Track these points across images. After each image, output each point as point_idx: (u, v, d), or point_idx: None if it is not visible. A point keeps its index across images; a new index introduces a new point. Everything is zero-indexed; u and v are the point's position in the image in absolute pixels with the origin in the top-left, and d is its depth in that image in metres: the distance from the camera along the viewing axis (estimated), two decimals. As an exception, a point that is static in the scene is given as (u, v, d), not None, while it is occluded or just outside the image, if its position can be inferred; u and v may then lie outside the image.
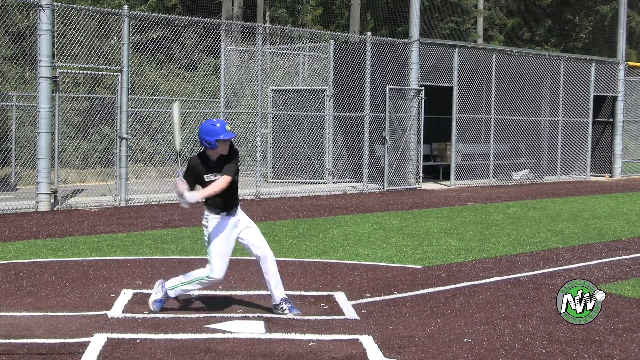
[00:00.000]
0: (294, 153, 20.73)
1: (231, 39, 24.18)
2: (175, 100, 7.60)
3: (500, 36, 46.71)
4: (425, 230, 12.87)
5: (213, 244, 7.17)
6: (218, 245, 7.16)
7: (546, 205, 17.43)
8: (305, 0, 36.81)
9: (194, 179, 7.16)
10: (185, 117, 19.77)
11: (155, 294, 7.26)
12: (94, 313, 7.17)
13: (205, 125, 7.04)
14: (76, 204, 15.16)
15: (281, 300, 7.26)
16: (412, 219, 14.45)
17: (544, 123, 26.44)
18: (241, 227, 7.25)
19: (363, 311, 7.44)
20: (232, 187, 7.14)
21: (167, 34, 19.43)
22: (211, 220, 7.19)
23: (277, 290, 7.27)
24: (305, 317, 7.14)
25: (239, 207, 7.28)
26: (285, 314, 7.19)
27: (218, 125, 7.00)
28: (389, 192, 19.61)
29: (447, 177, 22.17)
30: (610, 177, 26.69)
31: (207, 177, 7.11)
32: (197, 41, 22.00)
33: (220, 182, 7.03)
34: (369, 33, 20.63)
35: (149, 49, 19.32)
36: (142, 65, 21.11)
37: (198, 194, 7.05)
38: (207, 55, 21.49)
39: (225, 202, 7.15)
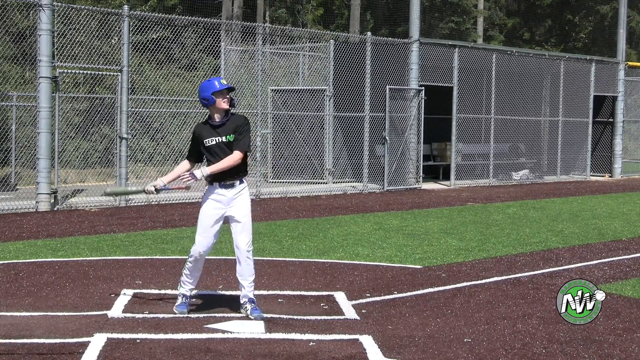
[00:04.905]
0: (294, 153, 20.73)
1: (231, 39, 24.17)
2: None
3: (500, 36, 46.71)
4: (425, 230, 12.87)
5: (199, 216, 7.16)
6: (202, 219, 7.13)
7: (546, 205, 17.43)
8: (305, 0, 36.80)
9: (197, 145, 7.14)
10: (185, 117, 19.77)
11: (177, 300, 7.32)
12: (94, 313, 7.17)
13: (201, 84, 7.08)
14: (76, 204, 15.15)
15: (245, 301, 7.17)
16: (412, 219, 14.45)
17: (544, 123, 26.44)
18: (233, 213, 7.08)
19: (363, 311, 7.43)
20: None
21: (167, 34, 19.43)
22: (206, 191, 7.19)
23: (244, 290, 7.19)
24: (305, 317, 7.14)
25: (239, 183, 7.09)
26: (248, 314, 7.07)
27: (212, 80, 7.04)
28: (389, 192, 19.61)
29: (447, 177, 22.17)
30: (610, 177, 26.69)
31: (207, 142, 7.04)
32: (197, 41, 21.98)
33: (230, 158, 6.95)
34: (369, 33, 20.63)
35: (149, 49, 19.31)
36: (142, 65, 21.11)
37: (208, 169, 6.97)
38: (207, 55, 21.48)
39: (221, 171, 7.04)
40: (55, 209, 14.59)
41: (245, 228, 7.11)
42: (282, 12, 37.00)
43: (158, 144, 19.89)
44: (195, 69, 22.90)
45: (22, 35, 18.71)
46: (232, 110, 7.19)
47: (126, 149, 15.46)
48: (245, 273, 7.15)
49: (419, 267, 9.75)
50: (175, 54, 21.78)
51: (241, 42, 23.76)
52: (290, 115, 20.64)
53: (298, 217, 14.41)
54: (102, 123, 18.31)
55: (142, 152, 19.75)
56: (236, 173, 7.08)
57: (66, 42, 15.33)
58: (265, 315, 7.07)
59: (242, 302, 7.19)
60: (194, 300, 7.72)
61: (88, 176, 19.01)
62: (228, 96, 7.08)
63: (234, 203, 7.08)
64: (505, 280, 9.08)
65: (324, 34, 24.09)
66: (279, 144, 20.83)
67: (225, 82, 7.06)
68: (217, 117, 7.09)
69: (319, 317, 7.17)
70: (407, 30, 21.32)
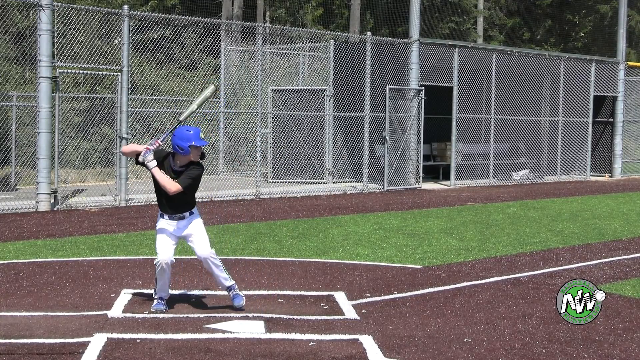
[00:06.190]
0: (294, 153, 20.73)
1: (231, 39, 24.17)
2: (213, 85, 7.67)
3: (500, 36, 46.68)
4: (425, 230, 12.87)
5: (156, 235, 7.41)
6: (158, 239, 7.36)
7: (546, 205, 17.43)
8: (304, 1, 36.79)
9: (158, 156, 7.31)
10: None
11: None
12: (94, 313, 7.18)
13: (179, 131, 7.20)
14: (76, 204, 15.15)
15: (227, 288, 7.46)
16: (412, 219, 14.45)
17: (544, 123, 26.44)
18: (187, 234, 7.37)
19: (363, 311, 7.44)
20: (177, 197, 7.23)
21: (167, 34, 19.42)
22: (159, 219, 7.43)
23: (221, 283, 7.50)
24: (305, 317, 7.15)
25: (188, 214, 7.34)
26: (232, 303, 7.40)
27: (192, 132, 7.17)
28: (389, 192, 19.61)
29: (447, 177, 22.17)
30: (610, 177, 26.69)
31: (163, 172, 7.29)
32: (197, 41, 21.99)
33: (170, 183, 7.16)
34: (369, 33, 20.63)
35: (149, 49, 19.31)
36: (142, 65, 21.11)
37: (155, 170, 7.16)
38: (207, 55, 21.49)
39: (165, 205, 7.31)
40: (55, 209, 14.59)
41: (202, 241, 7.38)
42: (281, 13, 36.99)
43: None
44: (195, 69, 22.91)
45: (22, 35, 18.70)
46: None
47: (126, 149, 15.42)
48: (215, 274, 7.44)
49: (419, 267, 9.75)
50: (175, 54, 21.78)
51: (241, 42, 23.78)
52: (290, 115, 20.64)
53: (298, 217, 14.41)
54: (102, 123, 18.30)
55: (142, 152, 19.69)
56: (182, 206, 7.32)
57: (66, 42, 15.33)
58: (243, 304, 7.35)
59: (226, 287, 7.51)
60: (193, 300, 7.74)
61: (88, 176, 19.01)
62: (202, 150, 7.32)
63: (186, 229, 7.37)
64: (505, 280, 9.08)
65: (323, 34, 24.10)
66: (279, 144, 20.82)
67: (203, 137, 7.24)
68: (179, 163, 7.26)
69: (319, 317, 7.17)
70: (407, 30, 21.32)
